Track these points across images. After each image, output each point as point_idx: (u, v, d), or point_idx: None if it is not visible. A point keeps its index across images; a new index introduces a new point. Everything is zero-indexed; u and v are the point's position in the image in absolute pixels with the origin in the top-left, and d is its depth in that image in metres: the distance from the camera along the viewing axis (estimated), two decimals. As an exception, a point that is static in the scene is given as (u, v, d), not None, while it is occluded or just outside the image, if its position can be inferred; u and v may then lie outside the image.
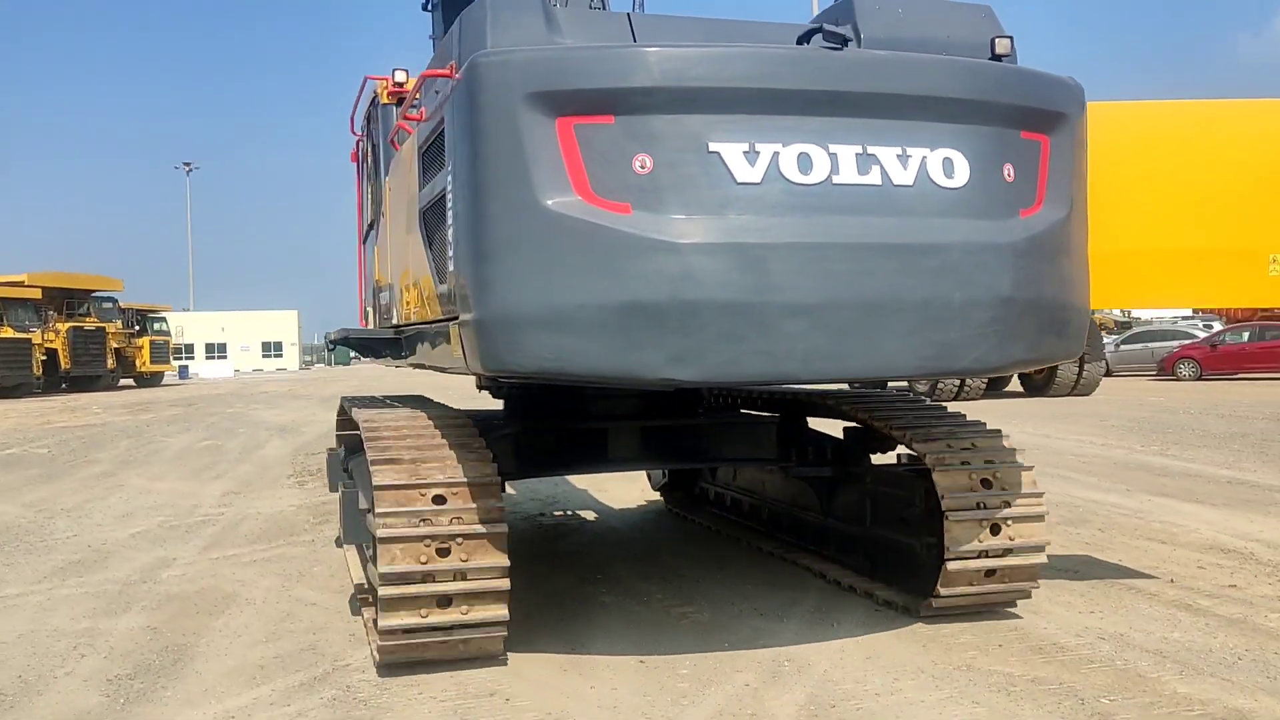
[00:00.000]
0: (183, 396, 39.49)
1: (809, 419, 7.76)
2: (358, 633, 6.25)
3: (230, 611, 6.91)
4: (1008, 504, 6.16)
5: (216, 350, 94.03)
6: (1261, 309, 36.78)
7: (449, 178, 5.29)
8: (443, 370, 6.38)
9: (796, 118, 4.86)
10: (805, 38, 5.14)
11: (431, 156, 5.92)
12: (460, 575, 5.40)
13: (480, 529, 5.45)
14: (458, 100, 5.08)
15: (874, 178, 4.92)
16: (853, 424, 7.47)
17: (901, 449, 7.34)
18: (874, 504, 7.15)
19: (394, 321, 7.39)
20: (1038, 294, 5.27)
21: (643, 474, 11.43)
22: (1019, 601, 6.49)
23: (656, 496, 11.10)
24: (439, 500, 5.53)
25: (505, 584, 5.44)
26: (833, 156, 4.87)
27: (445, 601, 5.41)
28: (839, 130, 4.89)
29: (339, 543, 9.02)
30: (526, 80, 4.80)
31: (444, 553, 5.40)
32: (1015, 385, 28.11)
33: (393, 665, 5.61)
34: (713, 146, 4.78)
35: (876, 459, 7.53)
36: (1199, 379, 33.76)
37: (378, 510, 5.41)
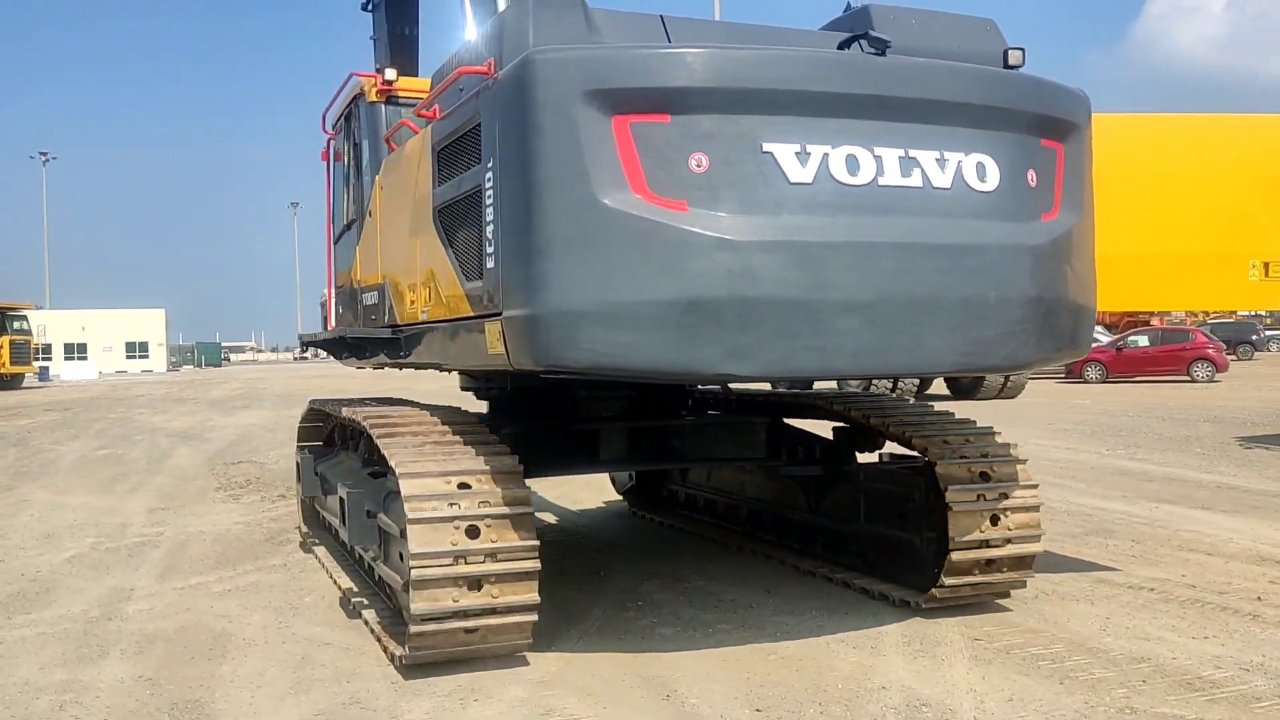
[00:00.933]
0: (53, 400, 37.12)
1: (797, 419, 7.90)
2: (397, 679, 5.57)
3: (232, 656, 6.05)
4: (1005, 495, 6.38)
5: (76, 351, 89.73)
6: (1127, 313, 38.43)
7: (487, 175, 5.29)
8: (463, 370, 6.36)
9: (844, 120, 4.99)
10: (846, 43, 5.28)
11: (454, 154, 5.89)
12: (491, 555, 5.40)
13: (508, 510, 5.48)
14: (504, 97, 5.09)
15: (915, 180, 5.08)
16: (842, 424, 7.65)
17: (888, 448, 7.61)
18: (869, 501, 7.32)
19: (388, 321, 7.30)
20: (1059, 294, 5.50)
21: (601, 477, 11.45)
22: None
23: (616, 498, 11.14)
24: (464, 486, 5.54)
25: (535, 564, 5.46)
26: (878, 159, 5.01)
27: (476, 585, 5.40)
28: (883, 133, 5.04)
29: (304, 546, 8.89)
30: (584, 78, 4.84)
31: (474, 533, 5.40)
32: (939, 388, 28.53)
33: (420, 666, 5.56)
34: (766, 147, 4.88)
35: (866, 457, 7.72)
36: (1104, 381, 35.18)
37: (406, 494, 5.38)
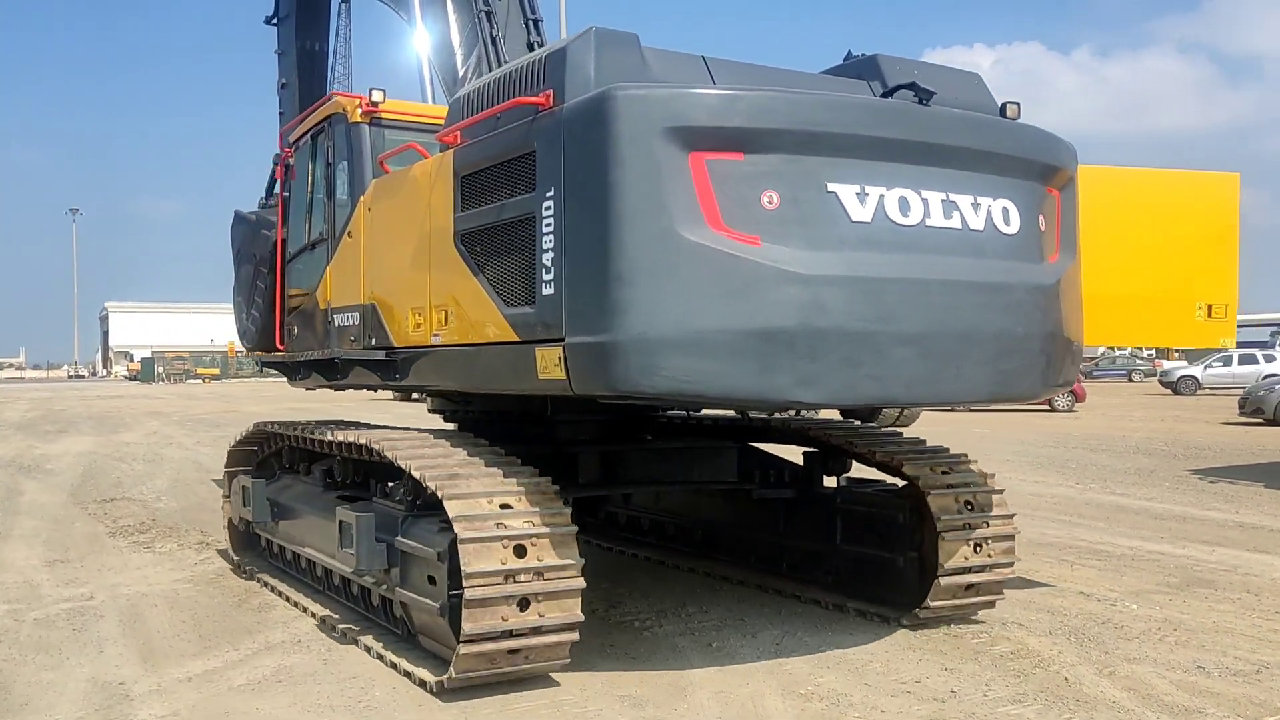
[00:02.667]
0: None
1: (777, 444, 8.20)
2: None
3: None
4: (987, 524, 6.86)
5: None
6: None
7: (545, 203, 5.40)
8: (490, 391, 6.41)
9: (896, 164, 5.34)
10: (889, 92, 5.64)
11: (488, 180, 5.97)
12: (538, 574, 5.50)
13: (551, 530, 5.61)
14: (575, 129, 5.23)
15: (955, 222, 5.47)
16: (812, 448, 8.01)
17: (852, 471, 8.00)
18: (845, 522, 7.67)
19: (376, 343, 7.26)
20: (1065, 330, 5.99)
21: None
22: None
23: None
24: (506, 507, 5.63)
25: (580, 581, 5.59)
26: (924, 201, 5.38)
27: (524, 604, 5.48)
28: (928, 177, 5.42)
29: (243, 572, 8.63)
30: (665, 115, 5.04)
31: (521, 552, 5.49)
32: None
33: (463, 689, 5.59)
34: (830, 186, 5.18)
35: (830, 480, 8.09)
36: (969, 409, 36.66)
37: (454, 516, 5.43)
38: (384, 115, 7.75)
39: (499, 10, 9.33)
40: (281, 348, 9.25)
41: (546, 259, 5.41)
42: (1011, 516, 7.00)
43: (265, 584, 8.44)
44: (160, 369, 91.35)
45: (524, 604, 5.49)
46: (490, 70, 9.06)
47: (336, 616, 7.16)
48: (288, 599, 7.81)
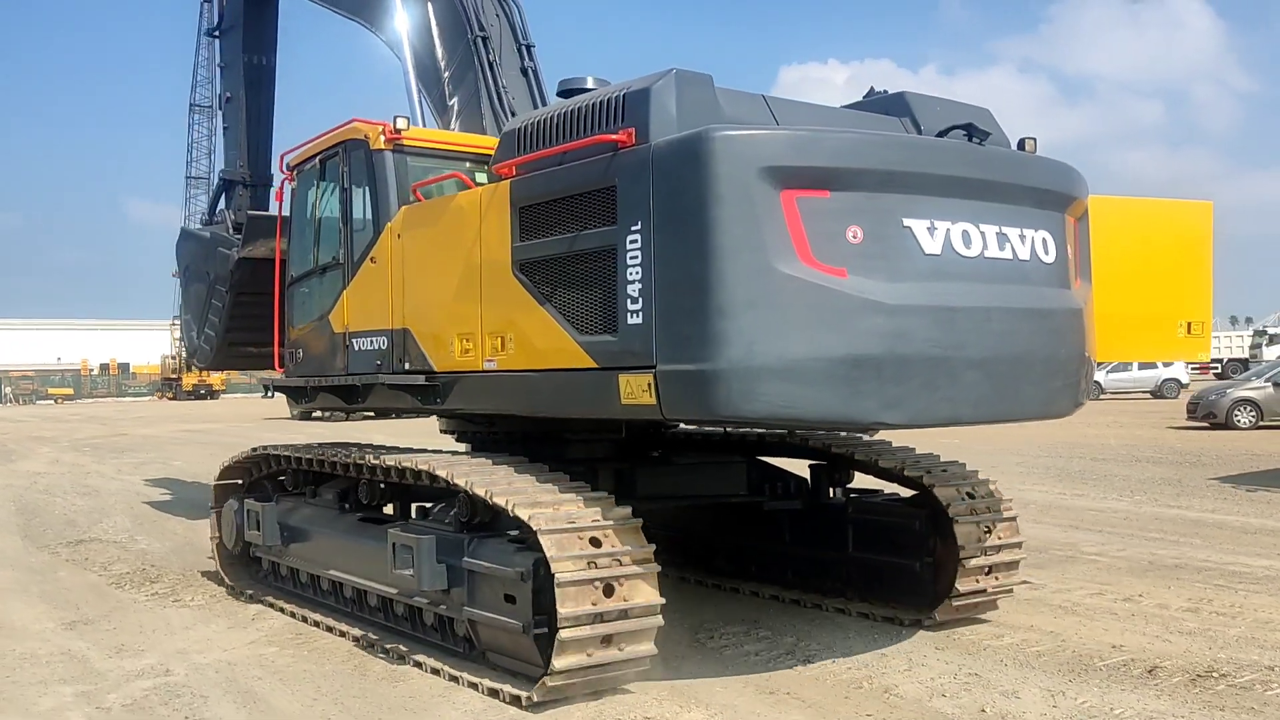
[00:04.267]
0: None
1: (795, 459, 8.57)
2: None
3: None
4: (999, 536, 7.38)
5: None
6: None
7: (629, 237, 5.67)
8: (557, 416, 6.61)
9: (958, 200, 5.77)
10: (944, 132, 6.07)
11: (557, 212, 6.19)
12: (623, 614, 5.76)
13: (639, 569, 5.87)
14: (667, 166, 5.51)
15: (1008, 253, 5.93)
16: (820, 461, 8.42)
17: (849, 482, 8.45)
18: (857, 530, 8.08)
19: (412, 368, 7.39)
20: (1089, 350, 6.52)
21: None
22: None
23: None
24: (595, 543, 5.86)
25: (658, 620, 5.87)
26: (982, 234, 5.82)
27: (608, 641, 5.75)
28: (984, 212, 5.86)
29: (240, 595, 8.61)
30: (760, 155, 5.37)
31: (610, 591, 5.74)
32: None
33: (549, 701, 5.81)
34: (906, 222, 5.58)
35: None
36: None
37: (552, 555, 5.64)
38: (406, 142, 7.86)
39: (493, 35, 9.51)
40: (280, 370, 9.24)
41: (632, 289, 5.67)
42: (1013, 518, 7.55)
43: (288, 612, 8.43)
44: (8, 389, 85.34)
45: (608, 640, 5.74)
46: (490, 95, 9.26)
47: (375, 636, 7.28)
48: (329, 628, 7.75)
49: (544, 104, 9.51)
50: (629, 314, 5.70)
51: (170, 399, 71.62)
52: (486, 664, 6.42)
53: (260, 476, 9.57)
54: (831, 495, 8.45)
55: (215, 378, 73.46)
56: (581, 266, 6.05)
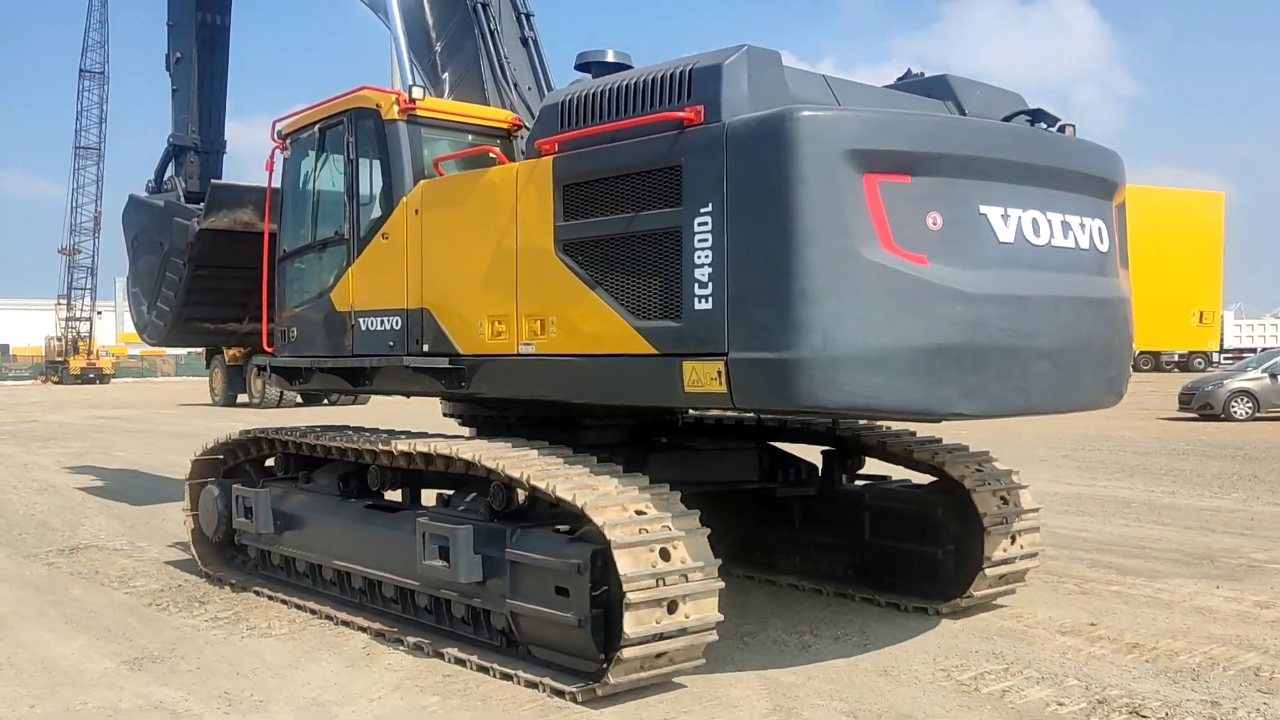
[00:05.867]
0: None
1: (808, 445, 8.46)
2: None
3: None
4: (1020, 519, 7.38)
5: None
6: None
7: (699, 219, 5.49)
8: (605, 403, 6.40)
9: (1028, 187, 5.70)
10: (1010, 118, 5.99)
11: (611, 191, 5.97)
12: (683, 575, 5.62)
13: (688, 530, 5.77)
14: (743, 147, 5.33)
15: (1071, 241, 5.88)
16: (831, 447, 8.34)
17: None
18: (874, 517, 8.03)
19: (433, 349, 7.10)
20: (1133, 340, 6.53)
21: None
22: None
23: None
24: (641, 513, 5.73)
25: (719, 582, 5.75)
26: (1049, 222, 5.77)
27: (673, 607, 5.60)
28: (1050, 200, 5.80)
29: (238, 587, 8.23)
30: (845, 138, 5.22)
31: (666, 555, 5.59)
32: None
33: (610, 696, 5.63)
34: (982, 209, 5.49)
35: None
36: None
37: (604, 523, 5.47)
38: (421, 113, 7.54)
39: (491, 3, 9.17)
40: (270, 350, 8.83)
41: (700, 274, 5.49)
42: (1037, 510, 7.56)
43: (285, 601, 8.08)
44: None
45: (673, 607, 5.58)
46: (493, 66, 8.92)
47: (394, 630, 7.00)
48: (343, 622, 7.41)
49: (546, 75, 9.22)
50: (696, 299, 5.52)
51: (55, 383, 67.64)
52: (529, 658, 6.21)
53: (241, 461, 9.18)
54: (845, 481, 8.38)
55: (104, 361, 70.66)
56: (639, 248, 5.84)
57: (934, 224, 5.35)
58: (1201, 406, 26.30)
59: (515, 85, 8.97)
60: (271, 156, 8.64)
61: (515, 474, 5.95)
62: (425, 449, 6.61)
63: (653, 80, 5.88)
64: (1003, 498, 7.32)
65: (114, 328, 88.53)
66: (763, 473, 8.29)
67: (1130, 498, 13.05)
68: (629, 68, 7.35)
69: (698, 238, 5.49)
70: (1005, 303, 5.48)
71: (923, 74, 7.05)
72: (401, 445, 6.81)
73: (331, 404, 34.59)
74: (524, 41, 9.31)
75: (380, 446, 7.03)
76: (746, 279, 5.32)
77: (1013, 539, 7.34)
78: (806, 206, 5.15)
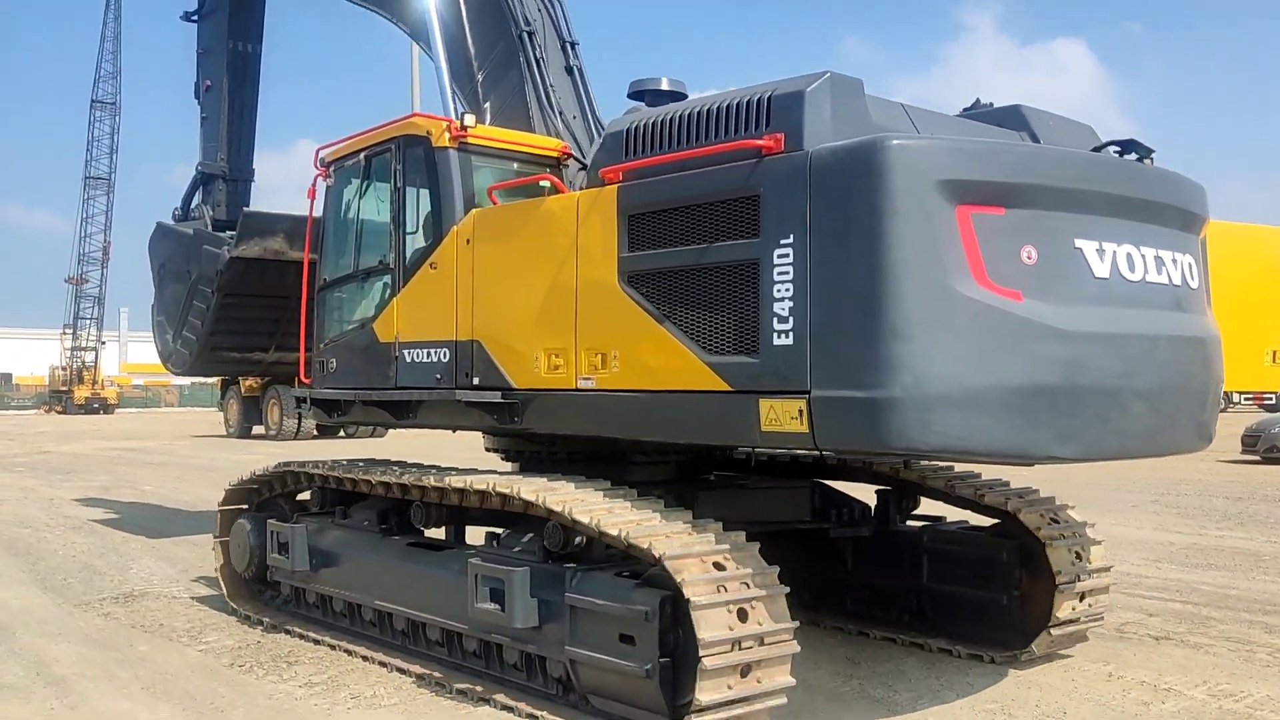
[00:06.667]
0: None
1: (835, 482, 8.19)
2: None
3: None
4: (1092, 574, 7.11)
5: None
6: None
7: (779, 251, 5.26)
8: (670, 441, 6.15)
9: (1122, 221, 5.47)
10: (1101, 148, 5.77)
11: (682, 221, 5.75)
12: (759, 639, 5.33)
13: (767, 591, 5.48)
14: (828, 178, 5.11)
15: (1164, 277, 5.64)
16: (884, 487, 8.07)
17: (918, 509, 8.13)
18: (933, 560, 7.74)
19: (485, 383, 6.86)
20: (1223, 381, 6.27)
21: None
22: None
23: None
24: (720, 567, 5.44)
25: (794, 646, 5.46)
26: (1143, 257, 5.53)
27: (746, 671, 5.31)
28: (1144, 234, 5.57)
29: (268, 627, 7.92)
30: (938, 168, 4.99)
31: (744, 616, 5.32)
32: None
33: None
34: (1077, 243, 5.25)
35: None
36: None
37: (685, 578, 5.20)
38: (472, 141, 7.34)
39: (537, 31, 9.00)
40: (307, 381, 8.60)
41: (780, 308, 5.25)
42: (1109, 568, 7.30)
43: (319, 640, 7.79)
44: None
45: (746, 671, 5.31)
46: (539, 94, 8.74)
47: (438, 675, 6.71)
48: (380, 662, 7.15)
49: (591, 104, 9.04)
50: (775, 334, 5.28)
51: (59, 412, 67.02)
52: (586, 707, 5.92)
53: (274, 495, 8.92)
54: (901, 522, 8.11)
55: (108, 391, 70.29)
56: (712, 280, 5.60)
57: (1028, 258, 5.11)
58: (1268, 449, 23.76)
59: (560, 113, 8.79)
60: (313, 184, 8.44)
61: (584, 519, 5.68)
62: (483, 486, 6.35)
63: (727, 107, 5.67)
64: (1077, 553, 7.06)
65: (117, 357, 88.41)
66: (815, 512, 8.02)
67: (1257, 550, 11.87)
68: (684, 95, 7.17)
69: (777, 270, 5.26)
70: (1103, 341, 5.23)
71: (991, 104, 6.86)
72: (456, 481, 6.55)
73: (349, 436, 34.34)
74: (568, 70, 9.14)
75: (432, 482, 6.76)
76: (831, 314, 5.08)
77: (1081, 597, 7.08)
78: (898, 239, 4.91)
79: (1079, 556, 7.03)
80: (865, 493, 8.20)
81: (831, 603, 8.34)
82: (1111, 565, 7.37)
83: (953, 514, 8.00)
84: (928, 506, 8.11)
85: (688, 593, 5.16)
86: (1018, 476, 7.49)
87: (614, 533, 5.52)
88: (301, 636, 7.91)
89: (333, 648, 7.56)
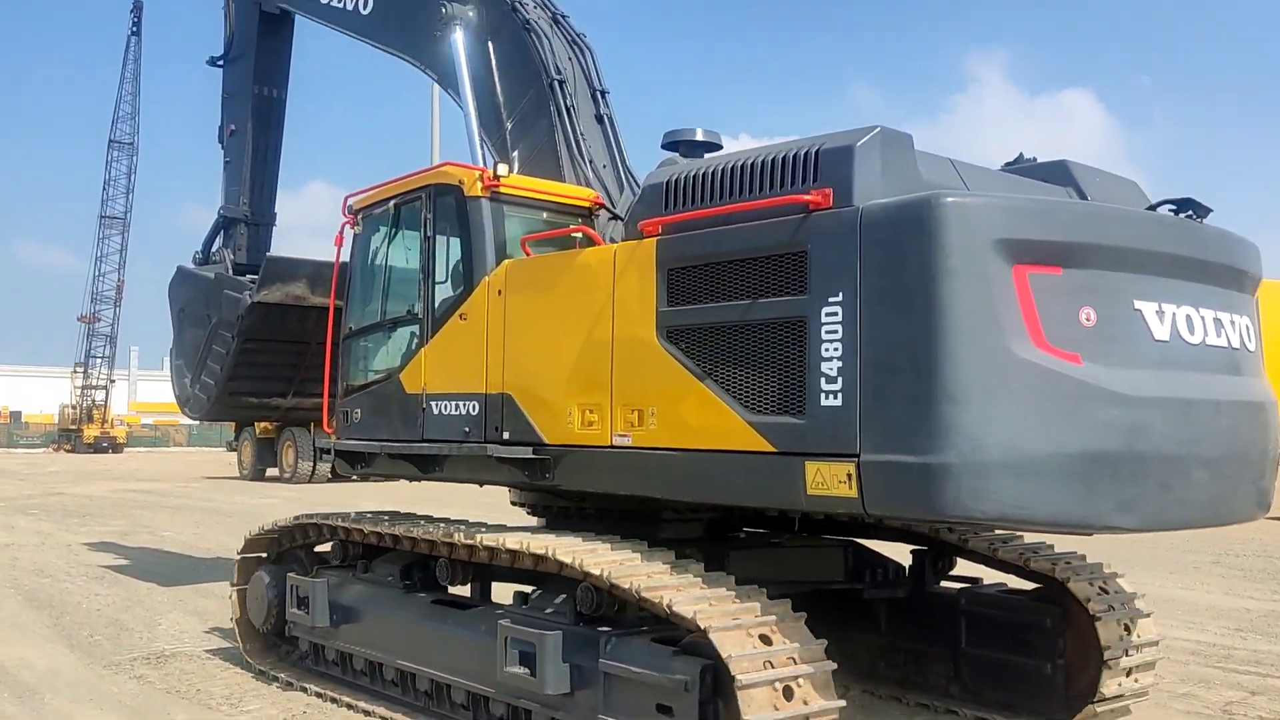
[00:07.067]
0: None
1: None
2: None
3: None
4: (1140, 649, 6.88)
5: None
6: None
7: (826, 309, 5.10)
8: (710, 502, 5.96)
9: (1180, 281, 5.30)
10: (1154, 207, 5.62)
11: (724, 276, 5.60)
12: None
13: (815, 669, 5.28)
14: (880, 235, 4.97)
15: (1223, 340, 5.46)
16: (920, 547, 7.86)
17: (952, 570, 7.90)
18: (971, 624, 7.50)
19: (516, 438, 6.69)
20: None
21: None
22: None
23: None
24: (766, 640, 5.24)
25: None
26: (1203, 319, 5.35)
27: None
28: (1202, 295, 5.40)
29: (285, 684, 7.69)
30: (995, 226, 4.84)
31: (789, 694, 5.12)
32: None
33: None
34: (1136, 304, 5.08)
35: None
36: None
37: (730, 655, 4.99)
38: (504, 190, 7.22)
39: (567, 80, 8.90)
40: (329, 431, 8.44)
41: (828, 367, 5.08)
42: (1156, 643, 7.07)
43: (337, 699, 7.57)
44: None
45: None
46: (570, 144, 8.63)
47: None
48: None
49: (622, 153, 8.92)
50: (823, 394, 5.10)
51: (68, 451, 66.68)
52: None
53: (291, 547, 8.74)
54: (937, 584, 7.89)
55: (118, 430, 70.11)
56: (756, 337, 5.44)
57: (1087, 320, 4.94)
58: None
59: (590, 162, 8.67)
60: (340, 232, 8.34)
61: (625, 584, 5.48)
62: (516, 546, 6.15)
63: (772, 161, 5.53)
64: (1126, 627, 6.84)
65: (126, 396, 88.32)
66: (849, 572, 7.79)
67: None
68: (719, 146, 7.06)
69: (825, 328, 5.10)
70: (1164, 406, 5.05)
71: (1034, 159, 6.73)
72: (489, 539, 6.35)
73: (361, 480, 34.09)
74: (598, 118, 9.03)
75: (462, 539, 6.57)
76: (883, 375, 4.91)
77: (1129, 673, 6.84)
78: (954, 299, 4.75)
79: (1128, 630, 6.80)
80: (895, 550, 7.98)
81: (864, 666, 8.10)
82: (1159, 639, 7.10)
83: (989, 575, 7.79)
84: (964, 567, 7.90)
85: (734, 670, 4.95)
86: (1063, 539, 7.27)
87: (656, 599, 5.32)
88: (319, 695, 7.69)
89: (351, 707, 7.34)
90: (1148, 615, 7.02)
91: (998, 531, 7.30)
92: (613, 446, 6.12)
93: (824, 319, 5.11)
